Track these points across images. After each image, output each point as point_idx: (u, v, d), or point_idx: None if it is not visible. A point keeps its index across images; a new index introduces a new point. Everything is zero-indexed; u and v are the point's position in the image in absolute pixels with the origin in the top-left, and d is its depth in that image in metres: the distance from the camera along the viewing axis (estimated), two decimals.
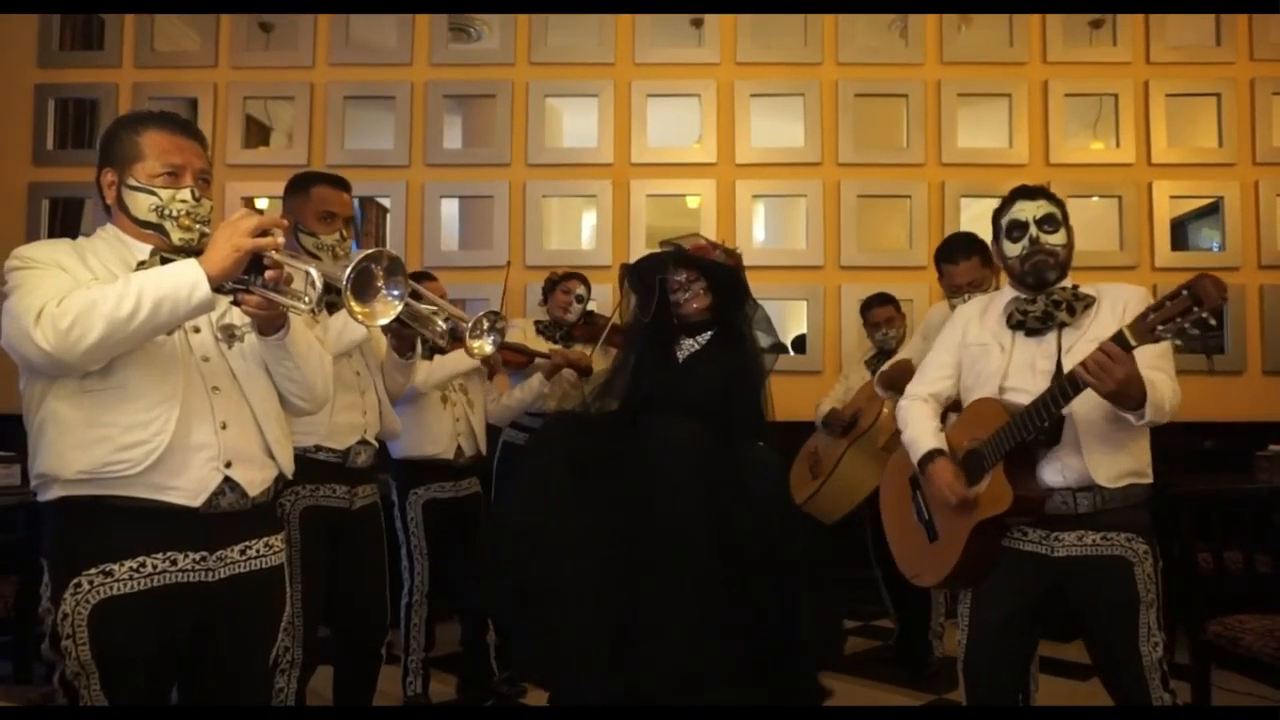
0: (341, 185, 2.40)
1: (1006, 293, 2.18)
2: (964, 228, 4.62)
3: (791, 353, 4.89)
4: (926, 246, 4.74)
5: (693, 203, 5.14)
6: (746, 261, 4.55)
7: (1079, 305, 2.05)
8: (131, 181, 1.61)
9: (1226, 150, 4.77)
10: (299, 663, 2.28)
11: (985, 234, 3.26)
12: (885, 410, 3.47)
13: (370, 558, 2.48)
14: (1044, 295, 2.07)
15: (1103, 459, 1.98)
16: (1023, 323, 2.08)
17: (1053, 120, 4.80)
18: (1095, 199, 4.90)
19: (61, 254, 1.56)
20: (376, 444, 2.47)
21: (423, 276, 3.09)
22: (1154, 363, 1.92)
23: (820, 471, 3.64)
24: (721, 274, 2.77)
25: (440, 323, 2.01)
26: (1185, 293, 1.69)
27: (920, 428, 2.19)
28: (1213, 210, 5.03)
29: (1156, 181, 4.76)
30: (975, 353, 2.17)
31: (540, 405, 3.51)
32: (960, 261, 2.98)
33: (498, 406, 3.44)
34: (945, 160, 4.80)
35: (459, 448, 3.14)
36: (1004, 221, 2.14)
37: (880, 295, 3.86)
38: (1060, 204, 2.13)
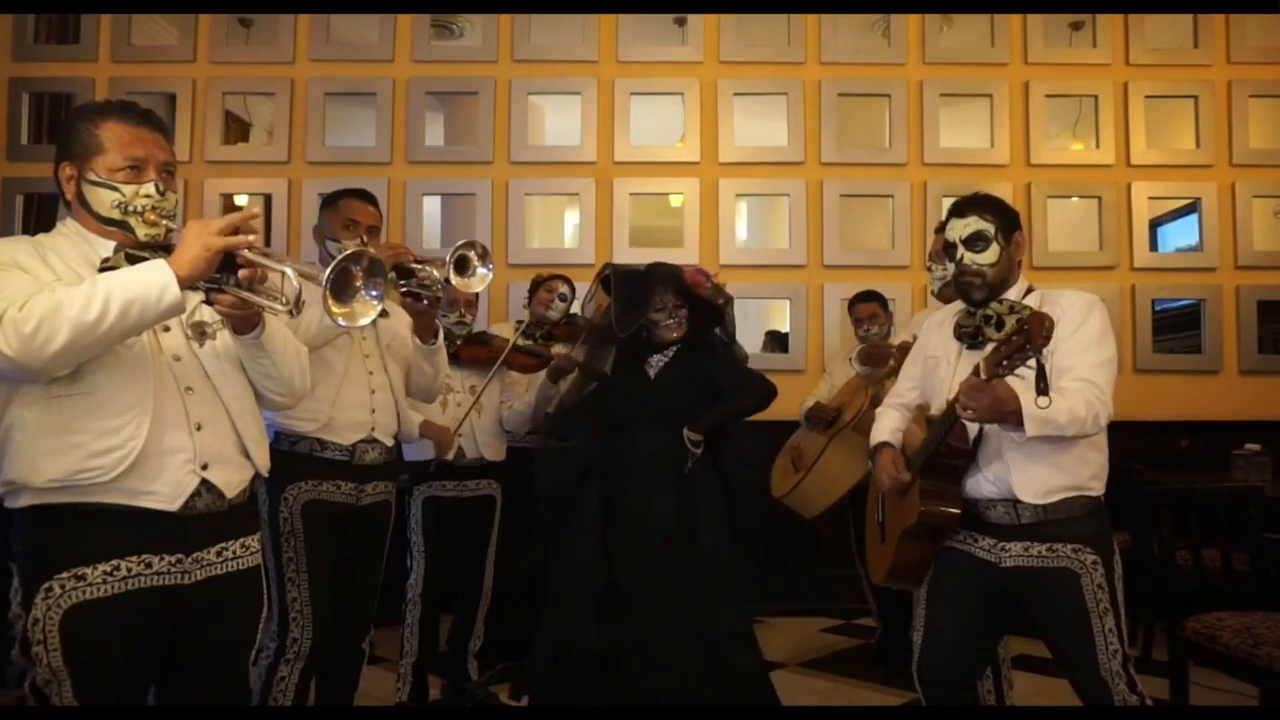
0: (366, 198, 2.50)
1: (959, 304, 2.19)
2: None
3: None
4: (909, 246, 4.77)
5: (676, 201, 5.13)
6: (729, 260, 4.66)
7: (1009, 320, 1.99)
8: (92, 176, 1.55)
9: (1204, 152, 4.81)
10: (305, 654, 2.27)
11: None
12: (868, 405, 3.48)
13: (370, 554, 2.46)
14: (980, 310, 2.03)
15: (1027, 476, 1.96)
16: (962, 336, 2.10)
17: (1033, 121, 4.82)
18: (1075, 199, 4.93)
19: (21, 253, 1.50)
20: (390, 442, 2.44)
21: None
22: (1085, 374, 1.92)
23: (802, 465, 3.65)
24: (710, 312, 2.83)
25: (434, 272, 2.15)
26: (1021, 332, 1.72)
27: (880, 427, 2.28)
28: (1185, 212, 5.07)
29: (1135, 182, 4.80)
30: (929, 365, 2.21)
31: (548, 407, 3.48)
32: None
33: (512, 413, 3.31)
34: (927, 160, 4.81)
35: (459, 450, 3.12)
36: (944, 241, 2.16)
37: (866, 292, 3.91)
38: (996, 217, 2.05)
